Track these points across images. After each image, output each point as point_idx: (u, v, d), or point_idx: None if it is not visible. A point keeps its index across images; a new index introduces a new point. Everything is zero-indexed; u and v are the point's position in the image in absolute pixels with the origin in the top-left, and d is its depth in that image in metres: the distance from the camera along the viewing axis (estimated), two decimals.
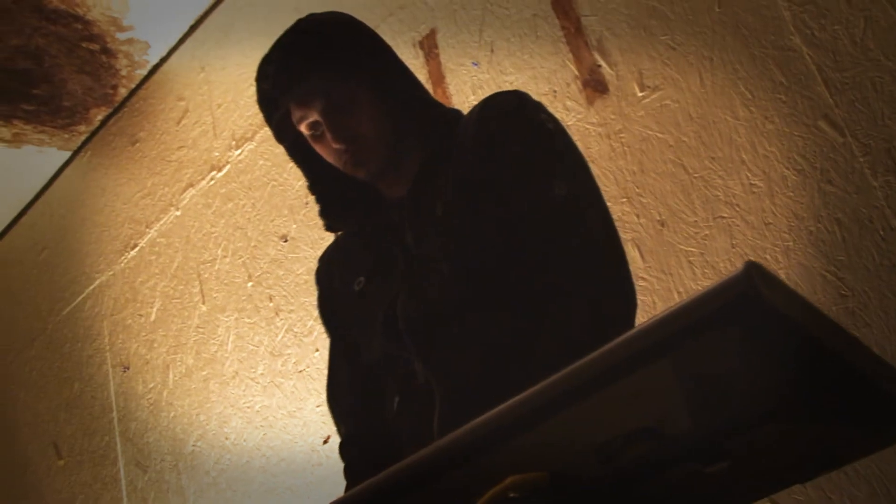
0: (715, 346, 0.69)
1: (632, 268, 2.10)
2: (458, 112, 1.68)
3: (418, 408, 1.42)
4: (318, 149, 1.54)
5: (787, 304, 0.68)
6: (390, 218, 1.58)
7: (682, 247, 2.08)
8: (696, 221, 2.07)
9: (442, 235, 1.48)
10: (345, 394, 1.64)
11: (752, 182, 1.99)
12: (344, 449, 1.59)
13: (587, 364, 0.73)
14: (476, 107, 1.58)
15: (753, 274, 0.66)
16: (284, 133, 1.58)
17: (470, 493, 0.77)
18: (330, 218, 1.64)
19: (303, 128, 1.52)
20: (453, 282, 1.44)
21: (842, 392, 0.75)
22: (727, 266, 2.00)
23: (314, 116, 1.49)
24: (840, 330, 0.73)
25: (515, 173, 1.45)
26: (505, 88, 2.44)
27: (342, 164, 1.53)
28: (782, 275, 1.90)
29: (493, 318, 1.41)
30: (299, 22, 1.58)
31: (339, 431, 1.64)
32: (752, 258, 1.96)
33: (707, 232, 2.05)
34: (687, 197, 2.10)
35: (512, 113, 1.52)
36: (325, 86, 1.48)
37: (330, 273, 1.71)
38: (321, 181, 1.63)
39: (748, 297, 0.66)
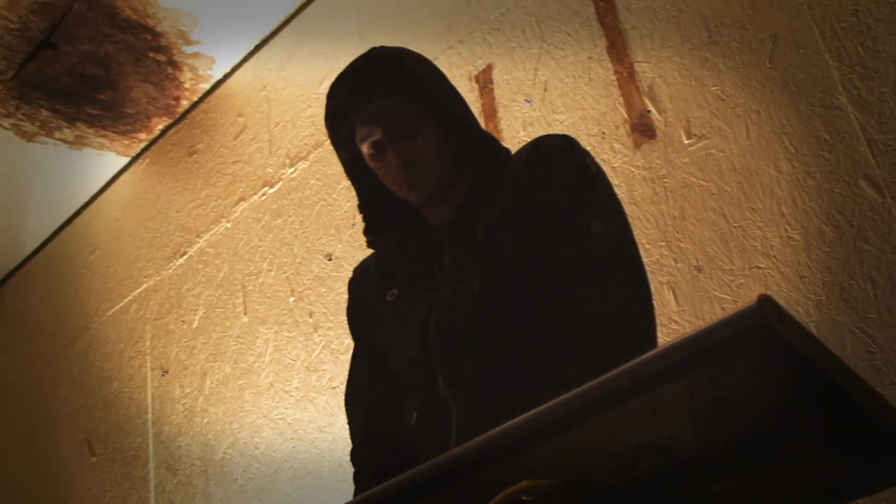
0: (726, 371, 0.74)
1: (665, 311, 2.17)
2: (507, 150, 1.74)
3: (436, 423, 1.47)
4: (376, 168, 1.61)
5: (797, 338, 0.73)
6: (431, 241, 1.64)
7: (716, 293, 2.12)
8: (732, 270, 2.11)
9: (479, 261, 1.54)
10: (362, 400, 1.70)
11: (791, 235, 2.03)
12: (356, 455, 1.64)
13: (607, 380, 0.79)
14: (526, 146, 1.65)
15: (766, 307, 0.71)
16: (347, 149, 1.65)
17: (486, 497, 0.82)
18: (374, 235, 1.72)
19: (364, 146, 1.59)
20: (484, 306, 1.50)
21: (845, 426, 0.80)
22: None
23: (377, 136, 1.56)
24: (846, 368, 0.77)
25: (557, 210, 1.52)
26: (555, 127, 2.51)
27: (398, 185, 1.61)
28: (812, 328, 1.93)
29: (519, 345, 1.46)
30: (373, 49, 1.67)
31: (352, 435, 1.69)
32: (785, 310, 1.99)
33: (742, 280, 2.08)
34: (725, 245, 2.13)
35: (560, 155, 1.59)
36: (391, 109, 1.57)
37: (364, 281, 1.77)
38: (370, 201, 1.70)
39: (760, 328, 0.71)
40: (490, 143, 1.71)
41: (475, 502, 0.80)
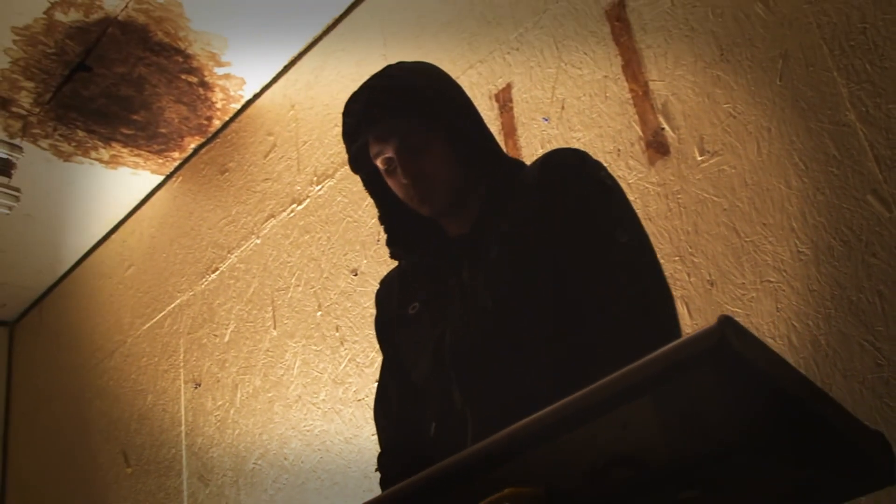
0: (691, 386, 0.79)
1: (679, 324, 2.20)
2: (521, 163, 1.79)
3: (453, 434, 1.52)
4: (390, 183, 1.67)
5: (756, 355, 0.79)
6: (451, 253, 1.69)
7: (728, 307, 2.16)
8: (743, 283, 2.15)
9: (492, 277, 1.58)
10: (389, 409, 1.76)
11: (801, 250, 2.06)
12: (382, 460, 1.71)
13: (582, 396, 0.84)
14: (538, 160, 1.69)
15: (726, 326, 0.77)
16: (361, 164, 1.71)
17: None
18: (396, 246, 1.77)
19: (378, 162, 1.65)
20: (496, 321, 1.54)
21: (810, 439, 0.85)
22: (771, 329, 2.07)
23: (389, 153, 1.62)
24: (809, 383, 0.82)
25: (574, 222, 1.54)
26: (573, 144, 2.57)
27: (409, 199, 1.66)
28: (821, 340, 1.97)
29: (532, 359, 1.50)
30: (388, 67, 1.72)
31: (380, 441, 1.76)
32: (795, 323, 2.03)
33: (754, 294, 2.12)
34: (737, 259, 2.17)
35: (573, 167, 1.62)
36: (403, 127, 1.61)
37: (389, 294, 1.82)
38: (391, 213, 1.76)
39: (719, 346, 0.76)
40: (501, 157, 1.75)
41: None
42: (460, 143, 1.67)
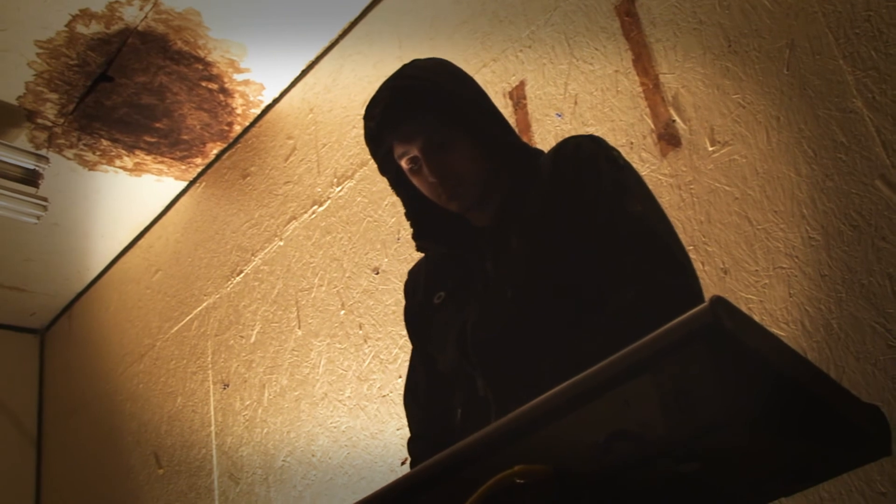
0: (688, 364, 0.83)
1: None
2: (539, 151, 1.82)
3: (478, 420, 1.56)
4: (416, 182, 1.71)
5: (748, 334, 0.83)
6: (476, 244, 1.73)
7: (742, 294, 2.19)
8: (757, 270, 2.18)
9: (513, 266, 1.62)
10: (418, 396, 1.81)
11: (811, 235, 2.10)
12: (412, 445, 1.77)
13: (585, 377, 0.89)
14: (554, 147, 1.73)
15: (717, 306, 0.81)
16: (388, 167, 1.75)
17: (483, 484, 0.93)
18: (422, 240, 1.81)
19: (403, 162, 1.68)
20: (518, 309, 1.58)
21: (805, 414, 0.89)
22: (784, 314, 2.10)
23: (414, 153, 1.65)
24: (801, 359, 0.87)
25: (589, 197, 1.58)
26: None
27: (437, 197, 1.69)
28: (834, 324, 2.00)
29: (553, 344, 1.53)
30: (405, 67, 1.75)
31: (410, 427, 1.81)
32: (808, 308, 2.07)
33: (767, 281, 2.15)
34: (749, 247, 2.21)
35: (586, 150, 1.66)
36: (426, 126, 1.64)
37: (416, 285, 1.87)
38: (416, 210, 1.80)
39: (712, 326, 0.81)
40: (521, 148, 1.78)
41: (473, 489, 0.91)
42: (481, 138, 1.70)
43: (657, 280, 1.46)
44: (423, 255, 1.90)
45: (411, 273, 1.93)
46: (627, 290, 1.46)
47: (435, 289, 1.78)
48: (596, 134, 2.59)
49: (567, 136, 2.68)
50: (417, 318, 1.85)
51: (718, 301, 0.82)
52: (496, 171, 1.72)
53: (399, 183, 1.78)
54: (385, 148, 1.69)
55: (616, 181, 1.60)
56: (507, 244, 1.65)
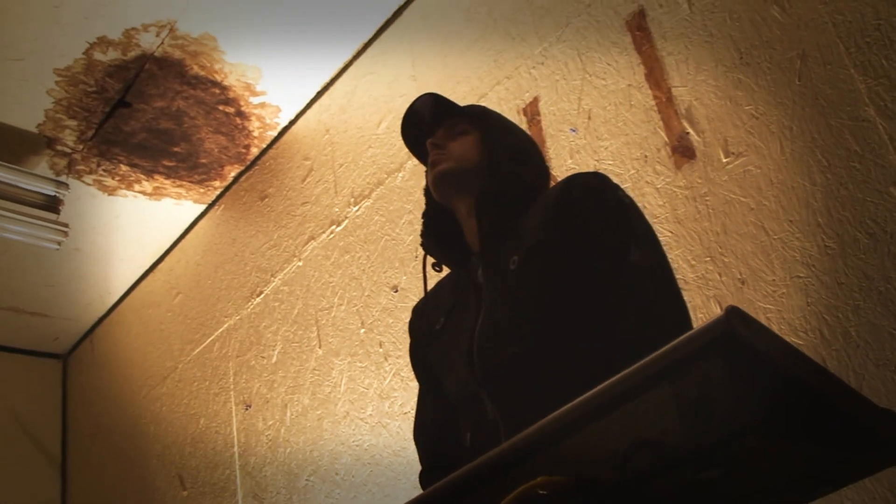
0: (705, 372, 0.85)
1: None
2: (544, 183, 1.91)
3: (487, 443, 1.58)
4: (427, 174, 1.87)
5: (763, 342, 0.85)
6: (471, 264, 1.79)
7: (760, 304, 2.20)
8: (774, 280, 2.19)
9: (511, 288, 1.65)
10: (427, 430, 1.84)
11: (827, 244, 2.11)
12: (423, 478, 1.78)
13: (606, 387, 0.91)
14: (560, 182, 1.77)
15: (732, 317, 0.83)
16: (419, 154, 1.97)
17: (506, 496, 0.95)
18: (427, 238, 1.91)
19: (427, 146, 1.86)
20: (519, 331, 1.61)
21: (822, 419, 0.90)
22: (802, 323, 2.11)
23: (437, 140, 1.84)
24: (815, 366, 0.88)
25: (593, 240, 1.61)
26: (600, 153, 2.63)
27: (429, 166, 1.85)
28: (852, 332, 2.01)
29: (555, 366, 1.55)
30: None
31: (421, 461, 1.83)
32: (826, 316, 2.07)
33: (784, 290, 2.16)
34: (766, 257, 2.22)
35: (593, 189, 1.69)
36: (450, 125, 1.87)
37: (420, 319, 1.92)
38: (429, 211, 1.94)
39: (727, 334, 0.83)
40: (521, 180, 1.84)
41: (496, 502, 0.92)
42: (491, 147, 1.83)
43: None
44: (434, 272, 1.94)
45: (414, 311, 1.98)
46: (627, 319, 1.52)
47: (437, 314, 1.83)
48: (610, 147, 2.63)
49: (582, 150, 2.72)
50: (421, 351, 1.89)
51: (733, 311, 0.83)
52: (490, 185, 1.80)
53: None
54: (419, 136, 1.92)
55: (619, 221, 1.64)
56: (503, 265, 1.69)
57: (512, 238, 1.71)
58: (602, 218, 1.64)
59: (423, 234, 1.92)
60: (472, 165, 1.82)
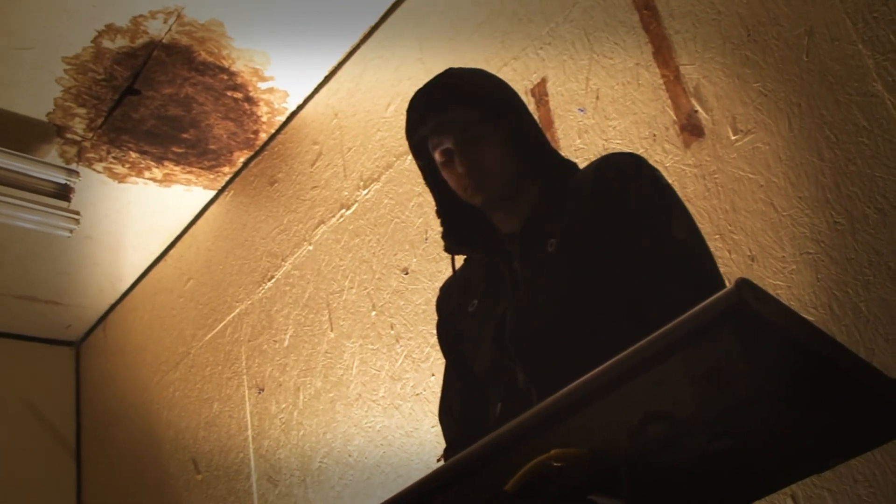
0: (717, 344, 0.86)
1: None
2: (574, 164, 1.86)
3: (519, 412, 1.60)
4: (445, 174, 1.77)
5: (774, 313, 0.86)
6: (503, 248, 1.78)
7: (770, 281, 2.21)
8: (784, 257, 2.20)
9: (554, 268, 1.66)
10: (453, 406, 1.85)
11: (837, 220, 2.11)
12: (448, 451, 1.80)
13: (619, 360, 0.92)
14: (595, 162, 1.77)
15: (743, 288, 0.84)
16: (421, 155, 1.83)
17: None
18: (450, 239, 1.86)
19: (436, 154, 1.75)
20: (557, 308, 1.62)
21: (832, 388, 0.92)
22: (813, 299, 2.12)
23: (448, 144, 1.73)
24: (824, 336, 0.89)
25: (634, 220, 1.62)
26: (609, 133, 2.63)
27: (463, 189, 1.75)
28: (862, 307, 2.01)
29: (589, 339, 1.56)
30: (449, 69, 1.84)
31: (446, 438, 1.84)
32: (836, 292, 2.08)
33: (794, 266, 2.17)
34: (776, 234, 2.22)
35: (631, 170, 1.70)
36: (462, 120, 1.73)
37: (448, 299, 1.92)
38: (447, 207, 1.87)
39: (738, 305, 0.84)
40: (555, 157, 1.83)
41: (511, 474, 0.94)
42: (515, 140, 1.77)
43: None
44: (449, 255, 1.93)
45: (442, 289, 1.97)
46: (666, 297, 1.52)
47: (469, 297, 1.83)
48: (619, 126, 2.63)
49: (590, 130, 2.73)
50: (451, 328, 1.89)
51: (743, 282, 0.85)
52: (525, 173, 1.77)
53: (430, 175, 1.85)
54: (420, 137, 1.77)
55: (660, 204, 1.65)
56: (542, 247, 1.69)
57: (548, 220, 1.71)
58: (642, 198, 1.65)
59: (445, 236, 1.87)
60: (512, 170, 1.76)
